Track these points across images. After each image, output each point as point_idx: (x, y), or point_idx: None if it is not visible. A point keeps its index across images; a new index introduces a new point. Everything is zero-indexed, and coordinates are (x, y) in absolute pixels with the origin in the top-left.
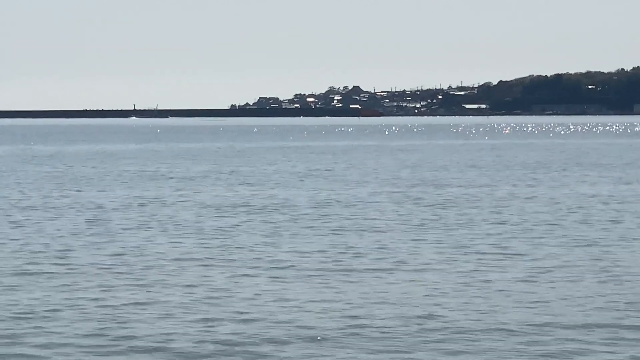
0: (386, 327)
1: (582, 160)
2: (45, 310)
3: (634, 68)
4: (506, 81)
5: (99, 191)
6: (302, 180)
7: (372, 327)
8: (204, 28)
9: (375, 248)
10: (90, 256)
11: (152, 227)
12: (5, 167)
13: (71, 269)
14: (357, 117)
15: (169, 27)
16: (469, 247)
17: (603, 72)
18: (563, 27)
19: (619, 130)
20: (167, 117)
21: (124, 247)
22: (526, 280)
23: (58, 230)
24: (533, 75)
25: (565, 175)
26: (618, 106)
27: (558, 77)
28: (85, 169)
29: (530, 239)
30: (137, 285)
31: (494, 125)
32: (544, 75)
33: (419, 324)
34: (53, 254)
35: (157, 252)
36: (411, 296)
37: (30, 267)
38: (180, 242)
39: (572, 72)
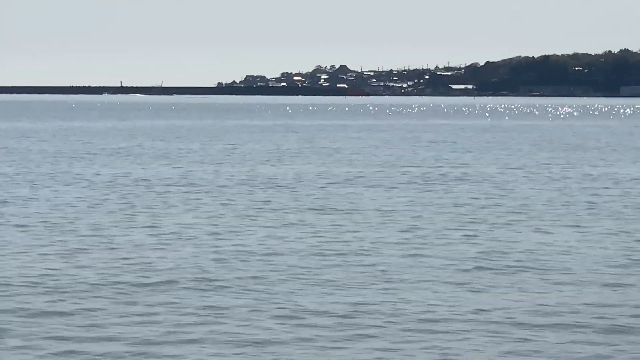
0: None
1: None
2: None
3: (620, 50)
4: (493, 62)
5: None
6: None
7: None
8: (191, 5)
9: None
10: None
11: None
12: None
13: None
14: (344, 97)
15: (155, 4)
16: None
17: (590, 54)
18: (550, 8)
19: None
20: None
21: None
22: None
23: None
24: (520, 56)
25: None
26: (605, 88)
27: (545, 58)
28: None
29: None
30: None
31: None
32: (531, 56)
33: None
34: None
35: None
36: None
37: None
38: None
39: (559, 53)
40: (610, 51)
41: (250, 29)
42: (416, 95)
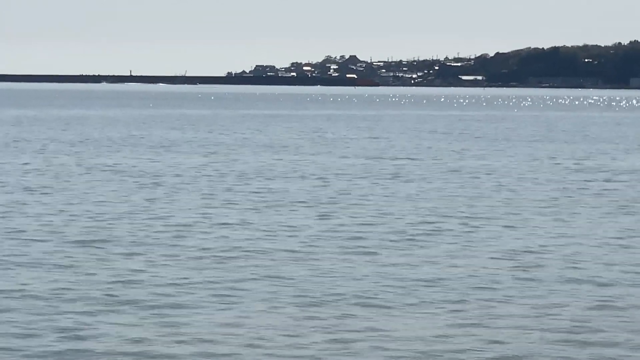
0: None
1: None
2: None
3: (630, 42)
4: (503, 53)
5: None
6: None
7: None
8: None
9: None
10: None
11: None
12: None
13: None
14: (353, 87)
15: None
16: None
17: (600, 46)
18: None
19: None
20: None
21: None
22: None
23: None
24: (530, 47)
25: None
26: (614, 80)
27: (555, 49)
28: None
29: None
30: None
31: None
32: (540, 47)
33: None
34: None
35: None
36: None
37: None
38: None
39: (569, 45)
40: (620, 43)
41: (260, 19)
42: (426, 85)
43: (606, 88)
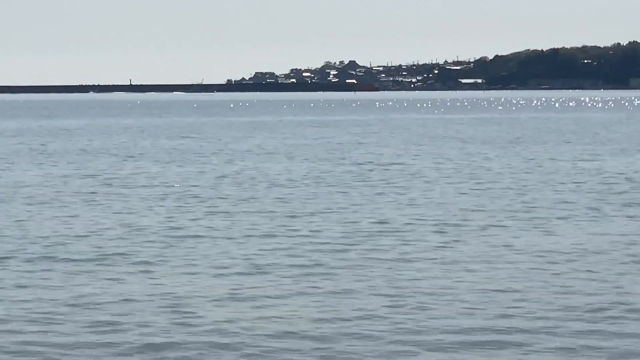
0: None
1: None
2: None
3: (629, 42)
4: (502, 56)
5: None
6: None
7: None
8: (199, 2)
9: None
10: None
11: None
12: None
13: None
14: (353, 92)
15: (165, 1)
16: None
17: (599, 47)
18: (559, 1)
19: None
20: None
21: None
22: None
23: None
24: (529, 49)
25: None
26: (614, 80)
27: (554, 51)
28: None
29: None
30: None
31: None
32: (539, 49)
33: None
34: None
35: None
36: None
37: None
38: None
39: (568, 46)
40: (619, 43)
41: (259, 26)
42: (425, 89)
43: (606, 89)
